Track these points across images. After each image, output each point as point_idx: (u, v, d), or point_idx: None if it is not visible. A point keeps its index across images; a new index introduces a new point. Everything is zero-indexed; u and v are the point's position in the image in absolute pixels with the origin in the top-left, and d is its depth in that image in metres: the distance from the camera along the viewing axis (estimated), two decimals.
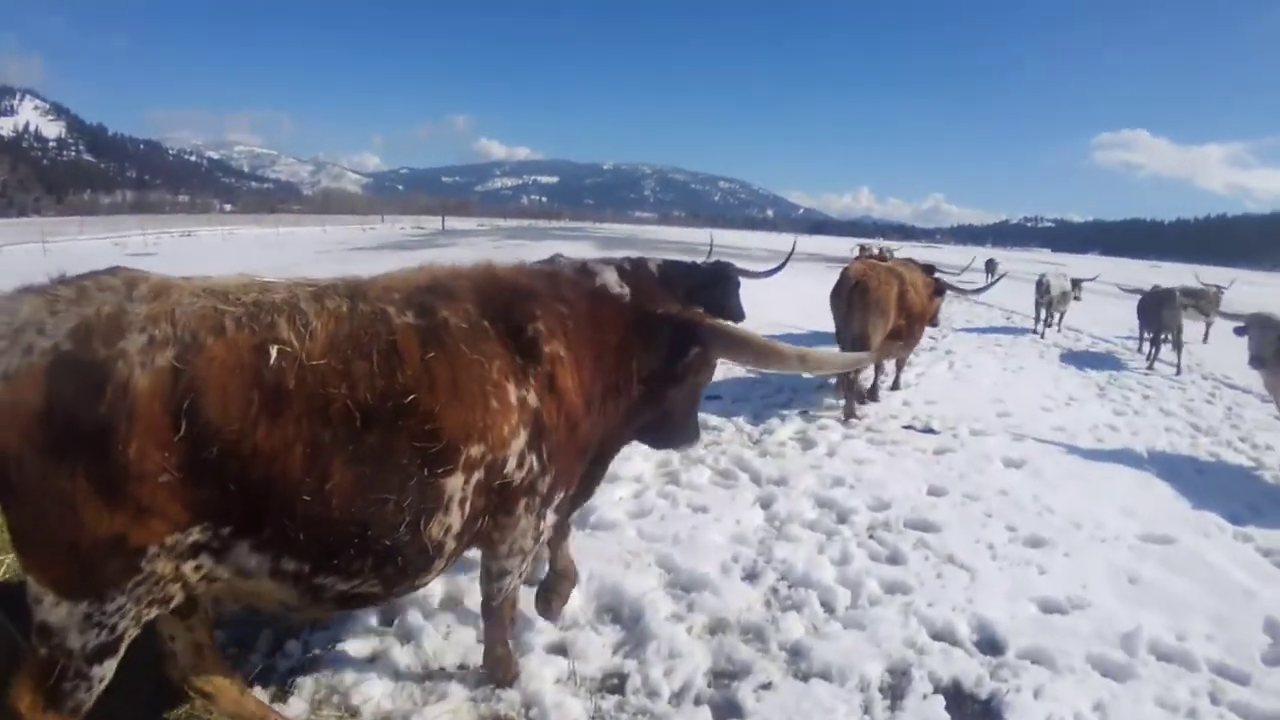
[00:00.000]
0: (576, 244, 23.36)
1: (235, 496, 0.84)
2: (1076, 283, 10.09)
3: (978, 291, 6.78)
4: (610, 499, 2.90)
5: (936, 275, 5.42)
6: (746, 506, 3.13)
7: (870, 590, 2.63)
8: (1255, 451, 5.16)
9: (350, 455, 0.89)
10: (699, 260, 3.93)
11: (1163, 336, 7.72)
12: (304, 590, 0.95)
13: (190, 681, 1.18)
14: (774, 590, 2.58)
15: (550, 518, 1.19)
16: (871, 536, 3.10)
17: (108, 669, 0.88)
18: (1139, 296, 8.19)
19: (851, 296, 4.15)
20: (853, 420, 4.41)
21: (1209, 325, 9.03)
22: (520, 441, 1.07)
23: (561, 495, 1.16)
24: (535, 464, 1.10)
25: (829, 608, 2.49)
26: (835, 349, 4.43)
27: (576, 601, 2.06)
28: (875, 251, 9.26)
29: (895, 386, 5.31)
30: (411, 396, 0.93)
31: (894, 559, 2.93)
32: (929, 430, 4.71)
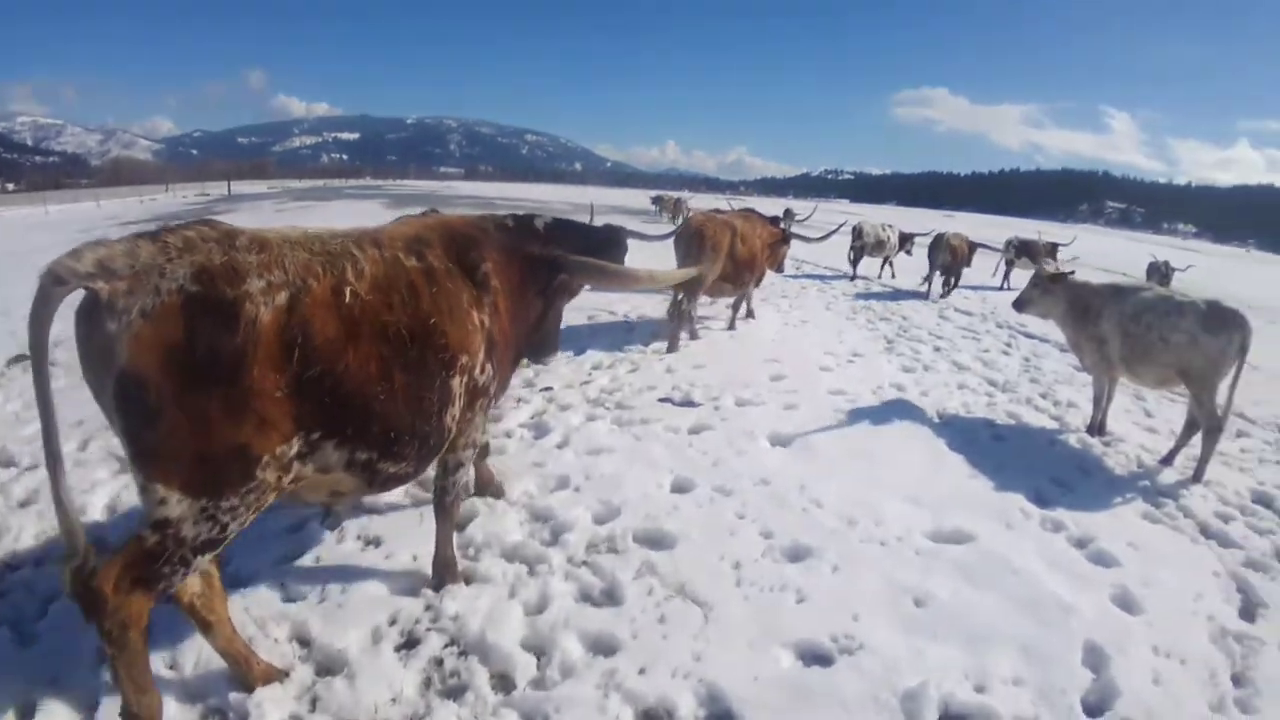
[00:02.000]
0: (367, 203, 44.13)
1: (328, 406, 2.75)
2: (907, 237, 20.55)
3: (822, 239, 13.86)
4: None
5: (782, 226, 12.07)
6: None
7: (565, 654, 3.75)
8: (1058, 410, 8.56)
9: (402, 364, 3.00)
10: (591, 222, 6.93)
11: (939, 274, 17.24)
12: (368, 476, 3.09)
13: (195, 609, 3.07)
14: (437, 664, 3.71)
15: (487, 408, 3.90)
16: (586, 563, 4.51)
17: (204, 560, 2.69)
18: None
19: (691, 242, 9.37)
20: (679, 343, 9.52)
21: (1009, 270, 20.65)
22: (483, 353, 3.53)
23: (494, 398, 3.90)
24: (491, 370, 3.64)
25: (503, 686, 3.58)
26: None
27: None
28: (675, 200, 33.85)
29: (731, 326, 11.33)
30: (432, 319, 3.15)
31: (609, 596, 4.21)
32: (688, 403, 7.44)
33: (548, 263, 4.20)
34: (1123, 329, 6.99)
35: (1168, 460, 7.11)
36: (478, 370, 3.55)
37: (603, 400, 7.48)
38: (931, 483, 6.04)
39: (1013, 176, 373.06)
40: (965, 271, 18.26)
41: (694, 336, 10.31)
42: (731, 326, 11.35)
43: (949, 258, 17.09)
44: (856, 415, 7.51)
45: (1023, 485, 6.12)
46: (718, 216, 10.30)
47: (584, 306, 11.52)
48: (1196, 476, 6.73)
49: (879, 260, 20.23)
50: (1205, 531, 5.76)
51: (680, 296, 9.81)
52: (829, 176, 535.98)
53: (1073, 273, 7.98)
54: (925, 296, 17.08)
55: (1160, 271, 21.84)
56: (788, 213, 26.33)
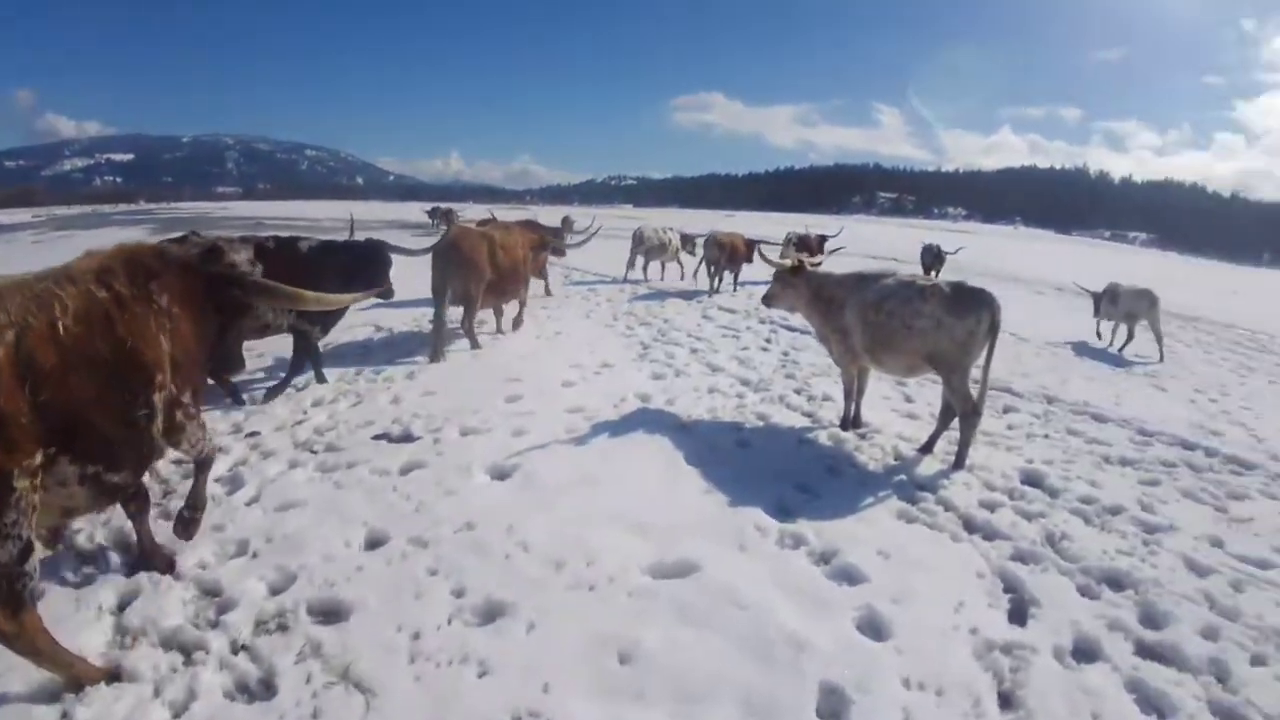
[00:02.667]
0: (134, 230, 38.13)
1: (58, 426, 3.44)
2: (688, 238, 22.03)
3: (580, 244, 15.10)
4: None
5: (543, 235, 13.09)
6: (82, 627, 4.13)
7: None
8: (811, 405, 8.62)
9: (113, 385, 3.70)
10: (356, 238, 8.66)
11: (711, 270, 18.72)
12: (96, 488, 3.79)
13: None
14: None
15: (193, 415, 4.44)
16: (246, 647, 4.11)
17: (34, 563, 3.36)
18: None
19: (448, 255, 9.86)
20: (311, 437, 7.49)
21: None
22: (169, 371, 4.04)
23: (194, 403, 4.43)
24: (178, 385, 4.15)
25: None
26: None
27: None
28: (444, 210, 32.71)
29: (498, 329, 12.20)
30: (128, 343, 3.75)
31: (266, 687, 3.84)
32: (405, 438, 7.05)
33: (224, 282, 4.54)
34: (864, 318, 6.96)
35: (927, 448, 7.06)
36: (170, 386, 4.03)
37: (312, 443, 6.97)
38: (662, 505, 5.73)
39: (788, 174, 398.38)
40: (748, 269, 19.13)
41: (475, 345, 10.60)
42: (500, 329, 12.11)
43: (717, 252, 18.17)
44: (591, 434, 7.22)
45: (763, 496, 5.90)
46: (474, 228, 11.14)
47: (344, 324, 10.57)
48: (958, 463, 6.68)
49: (660, 263, 21.12)
50: (969, 525, 5.67)
51: (440, 309, 10.09)
52: (613, 183, 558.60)
53: (817, 264, 8.00)
54: (708, 294, 18.05)
55: (933, 254, 23.05)
56: (565, 220, 28.48)
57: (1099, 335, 14.85)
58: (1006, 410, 8.83)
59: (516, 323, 12.38)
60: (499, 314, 12.22)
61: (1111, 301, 14.20)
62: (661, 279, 20.74)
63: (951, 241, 28.42)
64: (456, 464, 6.37)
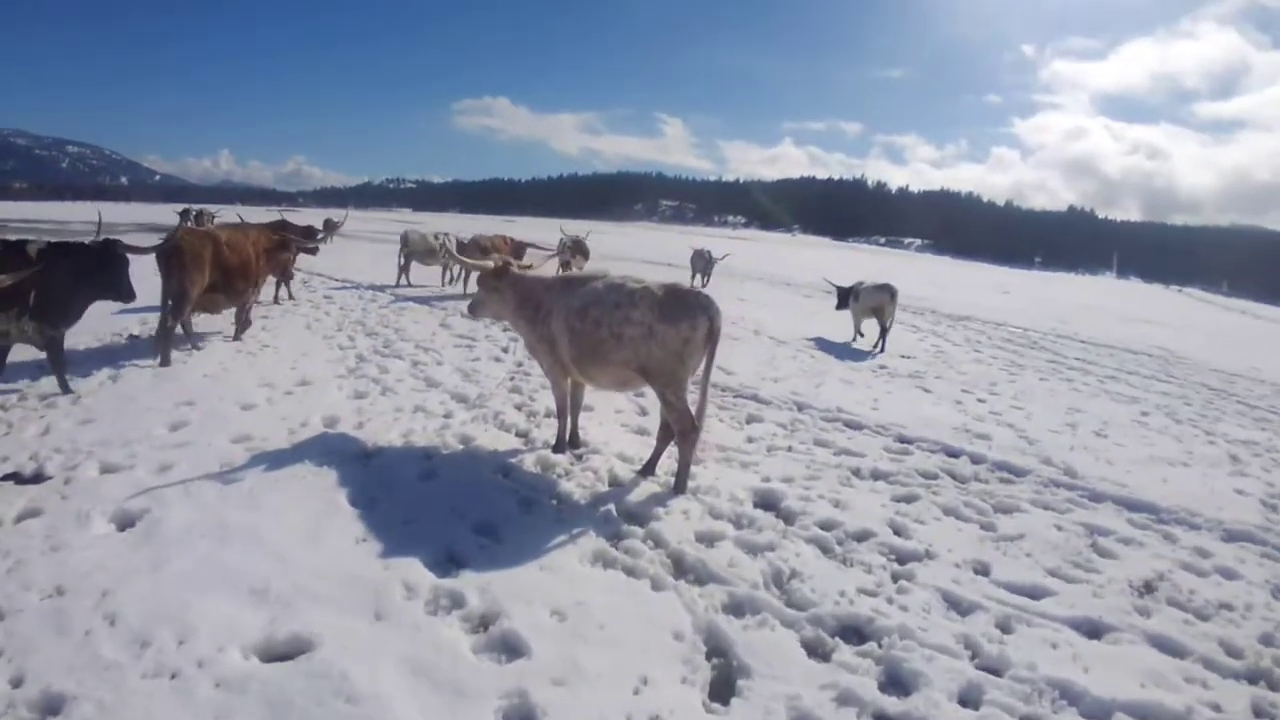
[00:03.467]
0: None
1: None
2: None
3: (315, 245, 15.68)
4: None
5: (285, 235, 13.32)
6: None
7: None
8: (530, 423, 7.99)
9: None
10: (87, 240, 8.24)
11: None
12: None
13: None
14: None
15: None
16: None
17: None
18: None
19: (169, 258, 9.67)
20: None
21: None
22: None
23: None
24: None
25: None
26: None
27: None
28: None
29: (236, 337, 11.64)
30: None
31: None
32: (36, 477, 6.22)
33: None
34: (570, 327, 6.36)
35: (647, 470, 6.39)
36: None
37: None
38: (296, 561, 4.86)
39: (571, 181, 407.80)
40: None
41: (165, 362, 9.73)
42: (236, 337, 11.54)
43: (479, 255, 17.66)
44: (246, 469, 6.31)
45: (430, 543, 5.10)
46: (199, 229, 11.54)
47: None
48: (677, 487, 6.02)
49: (436, 269, 20.80)
50: (679, 566, 4.98)
51: (165, 312, 9.74)
52: (391, 185, 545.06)
53: (528, 266, 7.46)
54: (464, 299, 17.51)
55: (704, 259, 23.83)
56: (328, 222, 27.92)
57: (859, 334, 15.23)
58: (750, 420, 8.30)
59: (243, 325, 11.76)
60: (239, 318, 11.73)
61: (855, 298, 14.88)
62: (443, 285, 20.12)
63: (725, 247, 29.00)
64: (77, 510, 5.50)
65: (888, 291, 14.32)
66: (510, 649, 4.01)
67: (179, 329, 10.13)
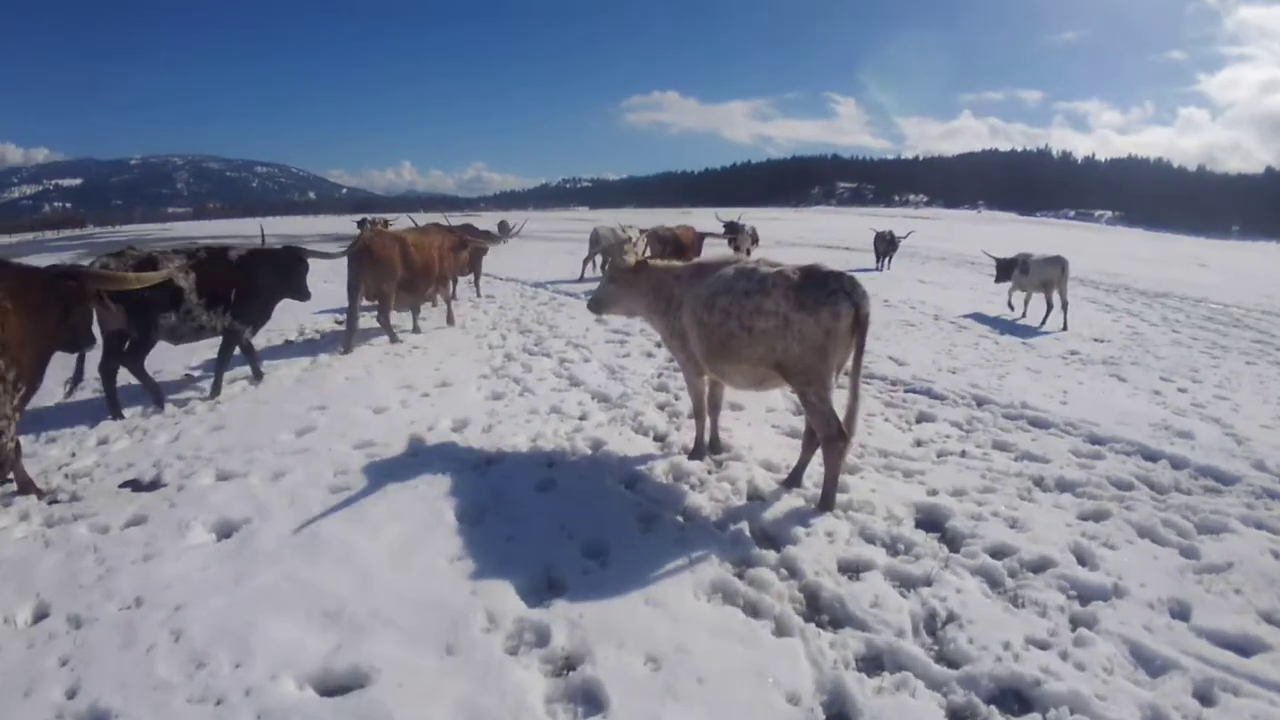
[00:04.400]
0: (64, 254, 35.35)
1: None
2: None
3: (490, 244, 17.83)
4: None
5: (463, 235, 14.12)
6: None
7: None
8: (671, 424, 7.39)
9: None
10: (275, 245, 9.27)
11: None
12: None
13: None
14: None
15: (17, 400, 5.56)
16: None
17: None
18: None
19: (360, 257, 10.79)
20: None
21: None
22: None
23: (25, 388, 5.61)
24: (7, 364, 5.39)
25: None
26: None
27: None
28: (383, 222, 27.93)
29: (414, 329, 12.50)
30: None
31: None
32: (154, 484, 6.28)
33: (60, 276, 5.72)
34: (699, 319, 5.65)
35: (792, 481, 5.60)
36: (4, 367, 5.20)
37: (60, 490, 6.03)
38: (382, 579, 4.47)
39: (745, 169, 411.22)
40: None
41: (394, 340, 11.32)
42: (416, 328, 12.33)
43: (659, 247, 18.27)
44: (360, 478, 5.95)
45: (531, 564, 4.57)
46: (385, 231, 12.23)
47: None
48: (824, 504, 5.19)
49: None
50: (812, 603, 4.20)
51: (353, 306, 10.85)
52: (567, 185, 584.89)
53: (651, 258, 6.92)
54: None
55: (886, 240, 23.32)
56: (502, 225, 27.01)
57: (1010, 306, 14.81)
58: (920, 420, 7.36)
59: (450, 319, 13.30)
60: (416, 312, 12.63)
61: (1023, 271, 14.20)
62: (580, 278, 20.15)
63: (907, 226, 27.93)
64: (180, 519, 5.38)
65: (1059, 264, 13.47)
66: (588, 701, 3.46)
67: (380, 325, 11.40)
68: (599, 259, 19.63)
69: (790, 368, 5.19)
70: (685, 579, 4.37)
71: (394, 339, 11.08)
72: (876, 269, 23.66)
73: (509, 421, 7.33)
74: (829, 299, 5.05)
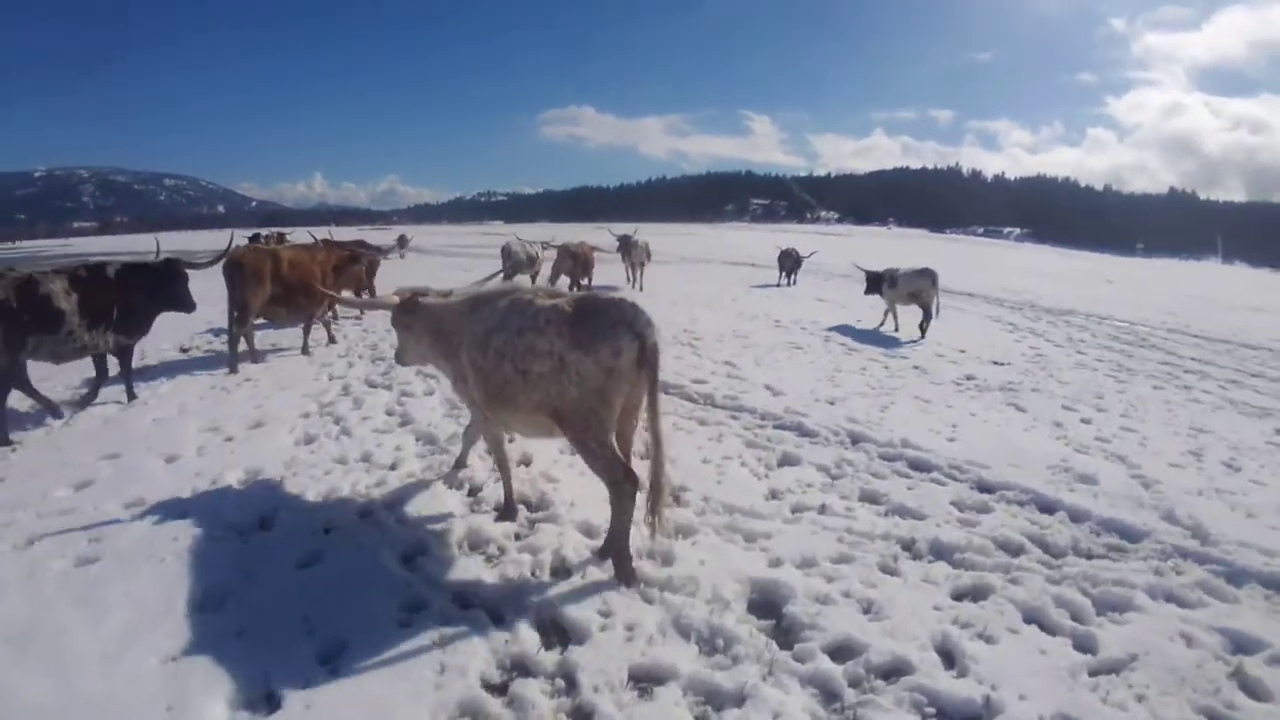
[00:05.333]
0: None
1: None
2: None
3: (382, 258, 16.50)
4: None
5: (357, 250, 14.22)
6: None
7: None
8: (489, 469, 6.44)
9: None
10: (152, 258, 9.11)
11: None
12: None
13: None
14: None
15: None
16: None
17: None
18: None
19: (231, 273, 10.72)
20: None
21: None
22: None
23: None
24: None
25: None
26: None
27: None
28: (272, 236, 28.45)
29: (303, 351, 12.15)
30: None
31: None
32: None
33: None
34: (473, 361, 5.00)
35: (606, 551, 4.68)
36: None
37: None
38: (83, 685, 3.68)
39: (660, 184, 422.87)
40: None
41: (233, 369, 10.65)
42: (305, 351, 11.97)
43: (571, 262, 19.06)
44: (112, 541, 5.13)
45: (250, 670, 3.73)
46: (260, 247, 12.14)
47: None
48: (619, 574, 4.47)
49: (533, 278, 20.67)
50: None
51: (231, 322, 10.66)
52: (483, 199, 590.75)
53: (446, 293, 5.95)
54: None
55: (792, 258, 23.69)
56: (400, 237, 33.72)
57: (891, 319, 14.90)
58: (783, 463, 6.53)
59: (321, 334, 13.06)
60: (306, 331, 12.39)
61: (891, 285, 14.58)
62: None
63: (813, 244, 27.78)
64: None
65: (928, 277, 13.96)
66: None
67: (242, 342, 10.93)
68: (516, 276, 19.25)
69: (566, 414, 4.49)
70: (427, 698, 3.52)
71: (234, 368, 10.35)
72: (777, 284, 23.67)
73: (306, 473, 6.36)
74: (608, 334, 4.37)
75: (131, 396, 8.85)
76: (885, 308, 14.98)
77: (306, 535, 5.20)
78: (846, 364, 11.07)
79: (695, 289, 21.63)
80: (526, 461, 6.50)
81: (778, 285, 23.68)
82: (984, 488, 6.03)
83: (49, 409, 7.96)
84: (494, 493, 5.82)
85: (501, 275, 17.73)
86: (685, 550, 4.81)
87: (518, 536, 5.13)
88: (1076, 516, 5.52)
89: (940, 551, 4.87)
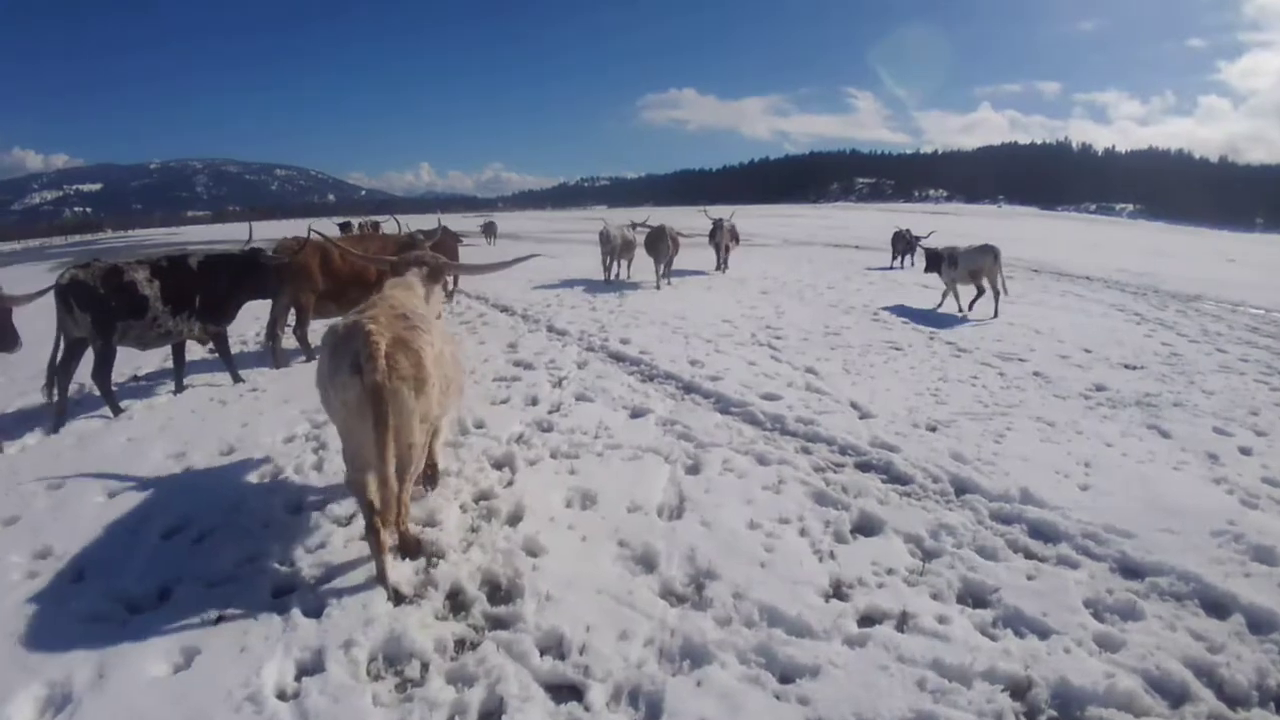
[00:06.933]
0: (43, 264, 35.52)
1: None
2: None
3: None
4: None
5: (418, 238, 12.56)
6: None
7: None
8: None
9: None
10: (233, 249, 9.10)
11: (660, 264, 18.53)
12: None
13: None
14: None
15: None
16: None
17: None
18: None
19: (279, 271, 9.55)
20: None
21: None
22: None
23: None
24: None
25: None
26: None
27: None
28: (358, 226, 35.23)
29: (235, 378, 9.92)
30: None
31: None
32: None
33: None
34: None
35: None
36: None
37: None
38: None
39: (763, 165, 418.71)
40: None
41: (278, 365, 10.19)
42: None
43: (671, 246, 18.24)
44: None
45: None
46: (313, 238, 10.16)
47: None
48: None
49: (626, 262, 19.94)
50: None
51: (273, 319, 10.29)
52: (586, 185, 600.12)
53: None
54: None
55: (905, 240, 22.27)
56: (487, 225, 35.80)
57: (955, 299, 14.09)
58: (858, 530, 4.80)
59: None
60: None
61: (951, 263, 13.83)
62: (626, 275, 19.33)
63: (927, 224, 25.73)
64: None
65: (990, 253, 13.31)
66: None
67: (297, 341, 10.51)
68: (608, 260, 19.07)
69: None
70: None
71: (277, 364, 9.92)
72: (890, 267, 22.04)
73: (244, 523, 5.07)
74: (338, 367, 4.06)
75: (237, 380, 8.98)
76: (944, 288, 14.32)
77: (195, 622, 4.01)
78: (954, 370, 9.14)
79: (790, 275, 19.83)
80: (516, 518, 4.98)
81: (890, 268, 21.87)
82: (1129, 569, 4.27)
83: (111, 407, 7.79)
84: (460, 570, 4.37)
85: (605, 257, 19.02)
86: (683, 689, 3.27)
87: (456, 650, 3.69)
88: (1258, 624, 3.73)
89: (1067, 703, 3.17)
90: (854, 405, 7.48)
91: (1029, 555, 4.47)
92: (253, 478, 5.91)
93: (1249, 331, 12.53)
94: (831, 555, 4.47)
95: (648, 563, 4.39)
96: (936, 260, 14.33)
